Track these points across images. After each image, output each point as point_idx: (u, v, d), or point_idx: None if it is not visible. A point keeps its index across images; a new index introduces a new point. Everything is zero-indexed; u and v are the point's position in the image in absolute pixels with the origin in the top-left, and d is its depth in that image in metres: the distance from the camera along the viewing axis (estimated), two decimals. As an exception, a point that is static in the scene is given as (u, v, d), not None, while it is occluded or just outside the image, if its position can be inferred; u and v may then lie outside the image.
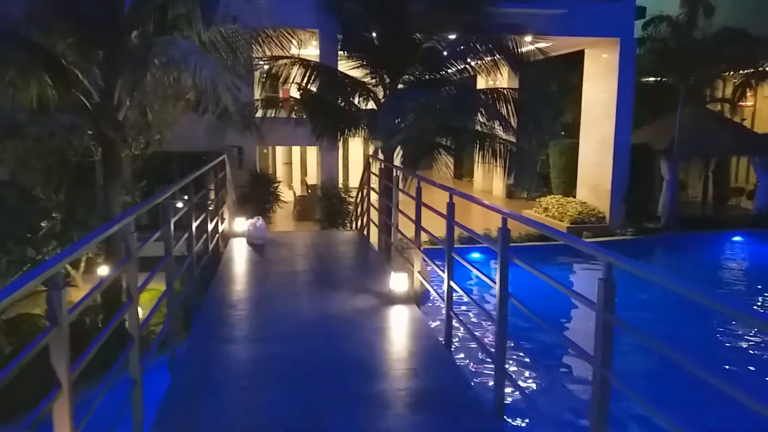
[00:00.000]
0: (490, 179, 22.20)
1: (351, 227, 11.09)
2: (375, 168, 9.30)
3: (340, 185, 13.86)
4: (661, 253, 14.72)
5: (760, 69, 16.73)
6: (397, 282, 5.63)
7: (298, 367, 4.22)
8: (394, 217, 6.75)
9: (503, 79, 13.44)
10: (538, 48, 10.02)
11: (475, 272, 4.19)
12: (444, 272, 4.76)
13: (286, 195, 18.83)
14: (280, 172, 23.27)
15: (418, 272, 5.67)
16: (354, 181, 22.28)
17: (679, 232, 15.21)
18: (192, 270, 5.36)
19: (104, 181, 7.95)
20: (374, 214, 8.44)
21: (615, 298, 2.49)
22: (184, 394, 3.89)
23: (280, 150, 22.72)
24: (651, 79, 18.90)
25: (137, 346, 3.32)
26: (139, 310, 3.58)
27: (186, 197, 5.48)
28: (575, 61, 17.98)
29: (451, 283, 4.66)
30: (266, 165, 19.02)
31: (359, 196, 9.53)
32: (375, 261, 7.54)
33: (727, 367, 8.61)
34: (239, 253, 7.68)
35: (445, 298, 4.74)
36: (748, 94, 17.87)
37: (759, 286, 12.92)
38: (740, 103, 18.69)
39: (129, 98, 7.77)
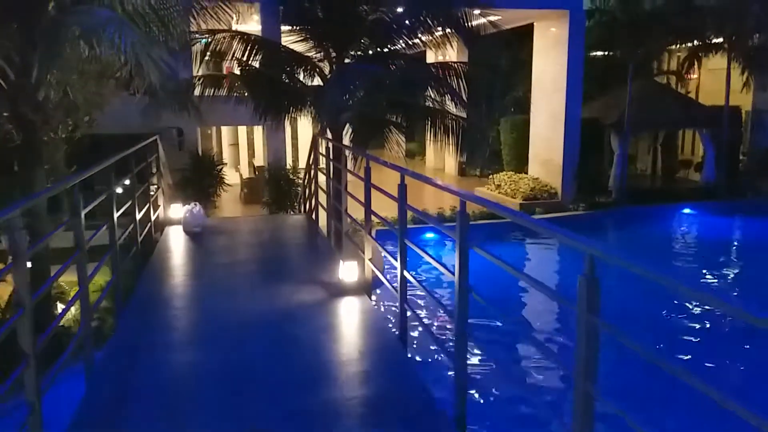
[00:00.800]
0: (441, 157, 21.95)
1: (299, 211, 10.58)
2: (323, 148, 8.79)
3: (289, 166, 13.25)
4: (614, 228, 14.80)
5: (707, 42, 16.89)
6: (347, 271, 5.21)
7: (234, 375, 3.75)
8: (343, 201, 6.30)
9: (452, 54, 13.07)
10: (489, 21, 9.63)
11: (432, 262, 3.79)
12: (397, 261, 4.34)
13: (233, 177, 18.08)
14: (227, 154, 22.38)
15: (369, 260, 5.25)
16: (304, 162, 21.67)
17: (631, 206, 15.31)
18: (116, 265, 4.78)
19: (25, 168, 7.17)
20: (323, 198, 7.96)
21: (600, 296, 2.15)
22: (99, 410, 3.38)
23: (226, 130, 21.79)
24: (599, 53, 18.90)
25: (33, 365, 2.79)
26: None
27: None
28: (524, 35, 17.78)
29: (405, 273, 4.26)
30: (209, 146, 18.19)
31: (306, 177, 9.01)
32: (323, 248, 7.09)
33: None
34: (174, 244, 7.10)
35: (399, 289, 4.33)
36: (695, 66, 18.08)
37: (714, 258, 13.11)
38: (687, 76, 18.91)
39: (48, 75, 6.99)
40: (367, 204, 5.25)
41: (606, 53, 18.71)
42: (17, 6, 6.48)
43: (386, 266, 6.55)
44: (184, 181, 12.36)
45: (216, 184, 12.74)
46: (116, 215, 4.96)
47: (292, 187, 12.89)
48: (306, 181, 9.25)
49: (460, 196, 3.39)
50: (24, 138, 7.05)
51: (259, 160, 19.28)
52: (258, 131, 19.41)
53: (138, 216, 5.95)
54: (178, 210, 7.61)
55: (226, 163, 22.03)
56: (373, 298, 5.23)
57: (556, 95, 15.44)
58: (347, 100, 7.75)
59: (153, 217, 6.90)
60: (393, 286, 4.54)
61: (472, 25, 9.35)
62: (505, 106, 19.29)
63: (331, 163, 7.48)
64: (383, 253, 5.32)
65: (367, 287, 5.26)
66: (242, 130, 20.77)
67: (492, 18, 10.34)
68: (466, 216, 3.29)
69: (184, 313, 5.00)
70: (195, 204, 7.33)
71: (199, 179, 12.39)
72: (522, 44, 18.24)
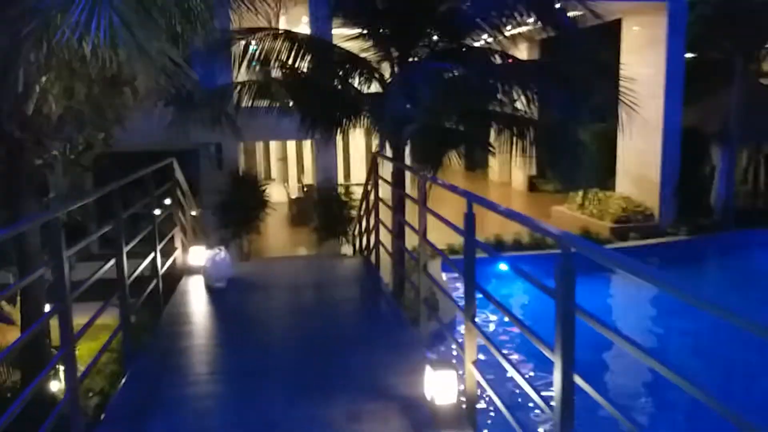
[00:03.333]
0: (508, 170, 19.89)
1: (353, 245, 8.76)
2: (382, 168, 7.04)
3: (340, 186, 11.55)
4: (726, 257, 12.37)
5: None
6: (440, 386, 3.29)
7: None
8: (421, 254, 4.42)
9: (523, 53, 11.17)
10: (592, 10, 7.64)
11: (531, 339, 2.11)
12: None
13: (281, 195, 16.58)
14: (275, 169, 21.00)
15: (472, 363, 3.35)
16: (356, 178, 19.97)
17: (740, 230, 12.88)
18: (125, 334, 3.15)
19: (11, 198, 5.71)
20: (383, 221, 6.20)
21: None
22: None
23: (274, 144, 20.38)
24: (690, 55, 16.52)
25: None
26: None
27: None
28: (606, 35, 15.65)
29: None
30: (253, 163, 16.72)
31: (363, 206, 7.21)
32: (392, 323, 5.06)
33: None
34: (188, 306, 5.38)
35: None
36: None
37: None
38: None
39: (38, 82, 5.51)
40: (468, 269, 3.40)
41: (700, 52, 16.32)
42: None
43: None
44: (224, 205, 10.86)
45: (259, 208, 11.15)
46: (102, 269, 3.37)
47: (343, 209, 11.21)
48: (362, 210, 7.47)
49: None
50: (8, 161, 5.57)
51: (309, 177, 17.76)
52: (307, 145, 17.91)
53: (141, 265, 4.33)
54: (200, 254, 5.91)
55: (274, 179, 20.75)
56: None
57: (650, 101, 13.17)
58: (413, 108, 5.93)
59: (162, 267, 5.24)
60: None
61: (569, 17, 7.46)
62: (605, 110, 17.03)
63: (396, 192, 5.69)
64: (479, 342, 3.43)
65: (470, 411, 3.37)
66: (291, 142, 19.34)
67: (573, 14, 8.40)
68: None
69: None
70: (220, 249, 5.61)
71: (241, 202, 10.85)
72: (602, 45, 16.09)
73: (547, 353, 2.43)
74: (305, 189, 15.37)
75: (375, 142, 19.52)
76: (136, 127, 9.33)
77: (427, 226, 4.30)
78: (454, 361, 3.60)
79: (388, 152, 8.07)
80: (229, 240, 11.08)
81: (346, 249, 11.40)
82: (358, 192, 11.54)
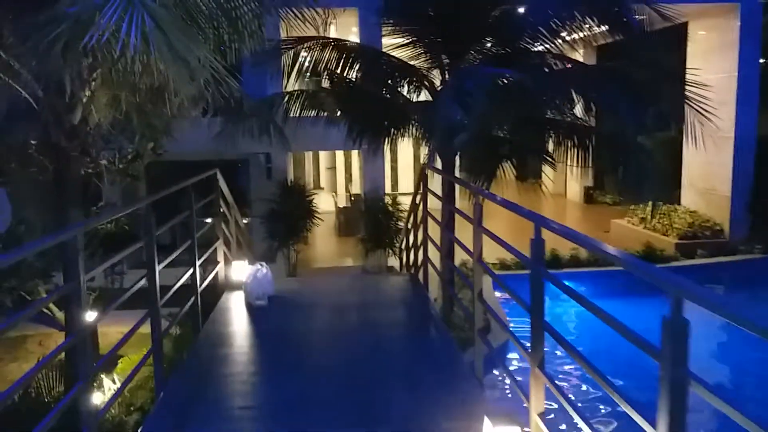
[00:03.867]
0: (562, 180, 19.15)
1: (400, 259, 8.43)
2: (433, 181, 6.71)
3: (387, 196, 11.27)
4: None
5: None
6: None
7: None
8: (476, 278, 4.04)
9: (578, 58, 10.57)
10: (660, 12, 7.11)
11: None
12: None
13: (329, 204, 16.48)
14: (324, 178, 20.98)
15: (539, 416, 2.92)
16: (404, 187, 19.71)
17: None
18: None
19: (57, 207, 5.68)
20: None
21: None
22: None
23: (323, 153, 20.38)
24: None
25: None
26: None
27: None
28: (671, 38, 14.84)
29: None
30: (302, 173, 16.68)
31: (410, 219, 6.89)
32: (443, 353, 4.55)
33: None
34: (227, 325, 5.13)
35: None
36: None
37: None
38: None
39: (86, 91, 5.48)
40: (535, 306, 2.99)
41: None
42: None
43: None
44: (273, 215, 10.77)
45: (307, 218, 11.00)
46: (135, 284, 3.19)
47: (390, 220, 10.92)
48: (410, 223, 7.16)
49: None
50: (55, 170, 5.55)
51: (357, 186, 17.62)
52: (356, 154, 17.79)
53: (181, 279, 4.16)
54: (242, 269, 5.73)
55: (323, 188, 20.73)
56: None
57: (720, 109, 12.33)
58: (465, 116, 5.57)
59: (203, 280, 5.08)
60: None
61: (639, 21, 6.97)
62: (675, 117, 16.19)
63: (446, 208, 5.35)
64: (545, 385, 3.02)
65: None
66: (340, 152, 19.26)
67: (641, 16, 7.85)
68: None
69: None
70: (262, 265, 5.39)
71: (289, 212, 10.72)
72: (667, 49, 15.28)
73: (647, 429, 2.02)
74: (353, 198, 15.19)
75: (423, 152, 19.25)
76: (186, 137, 9.38)
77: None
78: (508, 391, 3.20)
79: (438, 164, 7.76)
80: (277, 250, 11.00)
81: (393, 261, 11.12)
82: (405, 202, 11.28)
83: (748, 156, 12.22)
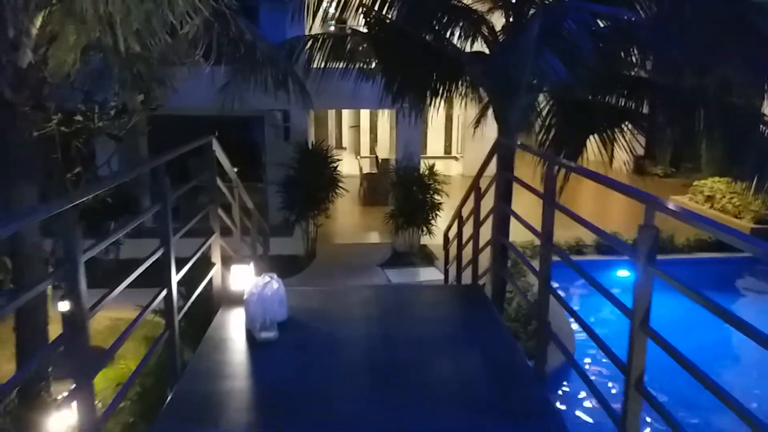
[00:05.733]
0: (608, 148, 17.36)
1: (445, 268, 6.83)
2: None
3: (424, 167, 9.74)
4: None
5: None
6: None
7: None
8: (543, 266, 2.70)
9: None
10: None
11: None
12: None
13: (352, 167, 14.97)
14: (347, 138, 19.39)
15: None
16: (432, 150, 18.03)
17: None
18: None
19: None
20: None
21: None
22: None
23: (347, 110, 18.72)
24: None
25: None
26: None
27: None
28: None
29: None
30: (324, 133, 15.05)
31: (475, 214, 5.17)
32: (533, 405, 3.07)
33: None
34: (214, 376, 3.27)
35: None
36: None
37: None
38: None
39: (33, 22, 4.01)
40: (639, 308, 1.69)
41: None
42: None
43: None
44: (290, 182, 9.33)
45: (330, 189, 9.54)
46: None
47: (427, 194, 9.43)
48: (462, 208, 5.60)
49: None
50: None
51: (383, 149, 16.03)
52: (382, 112, 16.13)
53: (149, 305, 2.75)
54: (243, 275, 4.18)
55: (345, 148, 19.15)
56: None
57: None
58: (563, 68, 3.96)
59: (189, 295, 3.62)
60: None
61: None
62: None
63: (502, 176, 3.83)
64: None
65: None
66: (365, 109, 17.61)
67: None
68: None
69: None
70: (270, 278, 3.76)
71: (309, 180, 9.26)
72: None
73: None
74: (379, 163, 13.66)
75: (457, 114, 17.50)
76: (191, 88, 7.88)
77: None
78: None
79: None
80: (294, 223, 9.61)
81: (427, 240, 9.69)
82: (440, 171, 9.76)
83: None
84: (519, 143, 5.13)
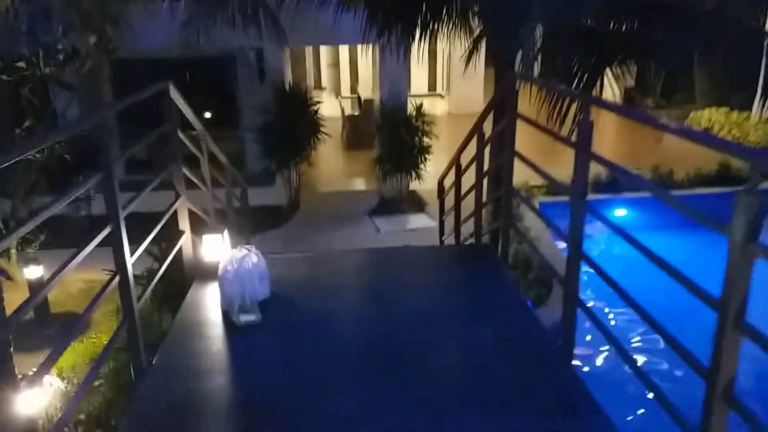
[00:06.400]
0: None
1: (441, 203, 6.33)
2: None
3: (411, 108, 9.09)
4: None
5: None
6: None
7: None
8: (575, 226, 2.43)
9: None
10: None
11: None
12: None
13: (333, 108, 14.19)
14: (326, 77, 18.44)
15: None
16: (416, 88, 17.16)
17: None
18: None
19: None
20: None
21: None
22: None
23: (325, 48, 17.66)
24: None
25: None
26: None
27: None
28: None
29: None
30: (302, 73, 14.13)
31: (479, 163, 4.58)
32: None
33: None
34: (192, 353, 2.91)
35: None
36: None
37: None
38: None
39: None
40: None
41: None
42: None
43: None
44: (268, 128, 8.66)
45: (311, 135, 8.89)
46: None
47: (416, 136, 8.83)
48: (477, 164, 5.01)
49: None
50: None
51: (366, 88, 15.21)
52: (362, 48, 15.19)
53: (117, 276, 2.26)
54: (216, 245, 3.63)
55: (324, 88, 18.23)
56: None
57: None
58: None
59: (154, 270, 3.09)
60: None
61: None
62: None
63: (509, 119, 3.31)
64: None
65: None
66: (344, 45, 16.63)
67: None
68: None
69: None
70: (248, 250, 3.22)
71: (288, 126, 8.60)
72: None
73: None
74: (361, 105, 12.93)
75: (441, 48, 16.57)
76: (152, 27, 7.10)
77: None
78: None
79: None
80: (275, 172, 9.00)
81: (416, 185, 9.17)
82: (427, 110, 9.13)
83: None
84: (534, 78, 4.54)
